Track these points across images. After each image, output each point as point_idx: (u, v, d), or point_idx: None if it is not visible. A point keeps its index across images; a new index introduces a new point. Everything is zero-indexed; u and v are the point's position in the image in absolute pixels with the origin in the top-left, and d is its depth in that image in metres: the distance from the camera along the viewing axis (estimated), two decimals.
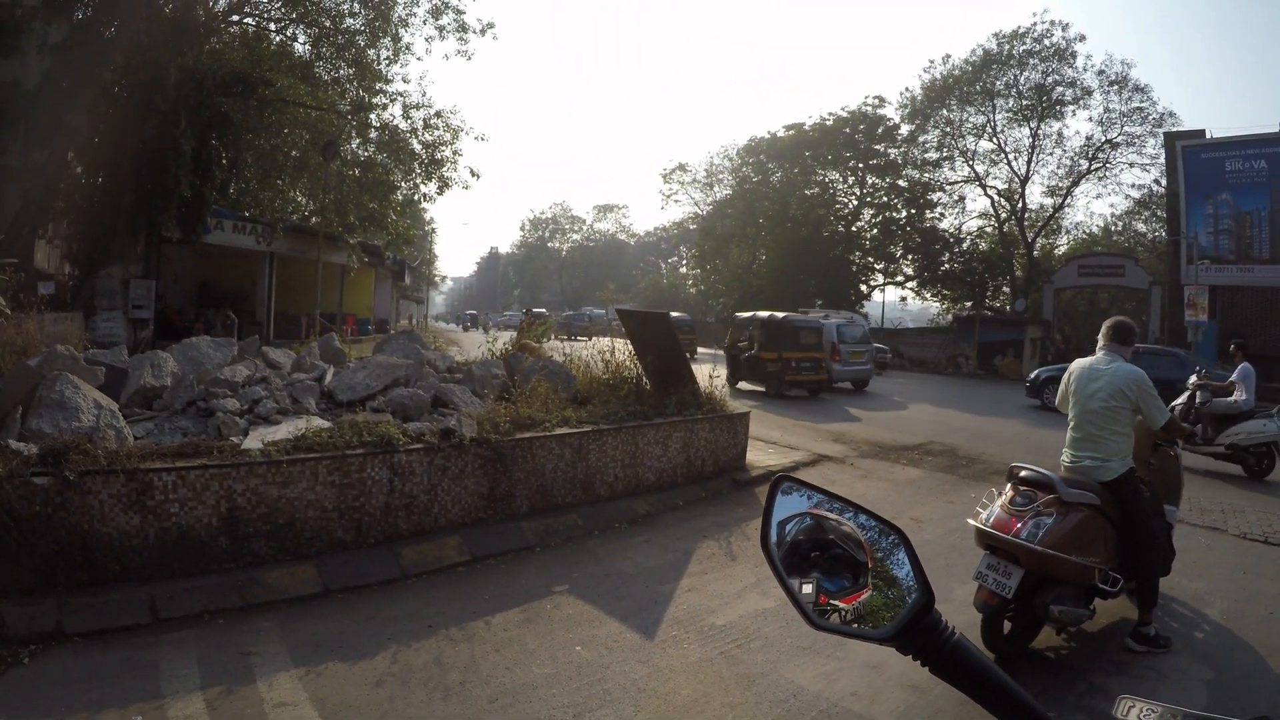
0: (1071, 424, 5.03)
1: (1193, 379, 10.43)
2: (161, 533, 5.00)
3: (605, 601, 5.38)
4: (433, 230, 70.65)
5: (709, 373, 9.86)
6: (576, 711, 3.87)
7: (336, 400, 7.40)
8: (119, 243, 17.72)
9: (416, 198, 25.67)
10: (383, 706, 3.84)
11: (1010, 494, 4.76)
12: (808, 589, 1.01)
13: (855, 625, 0.99)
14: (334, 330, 14.74)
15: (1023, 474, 4.82)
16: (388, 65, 23.22)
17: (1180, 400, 9.65)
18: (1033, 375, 20.29)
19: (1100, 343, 5.11)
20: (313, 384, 7.53)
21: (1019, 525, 4.47)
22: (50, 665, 4.07)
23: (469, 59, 38.13)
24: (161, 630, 4.55)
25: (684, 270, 72.90)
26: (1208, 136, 29.87)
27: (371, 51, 22.70)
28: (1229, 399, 10.73)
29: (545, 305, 70.83)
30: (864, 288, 47.50)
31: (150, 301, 18.26)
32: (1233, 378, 11.00)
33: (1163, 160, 33.63)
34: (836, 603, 1.00)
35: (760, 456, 10.05)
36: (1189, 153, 29.28)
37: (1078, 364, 5.14)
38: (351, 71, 22.81)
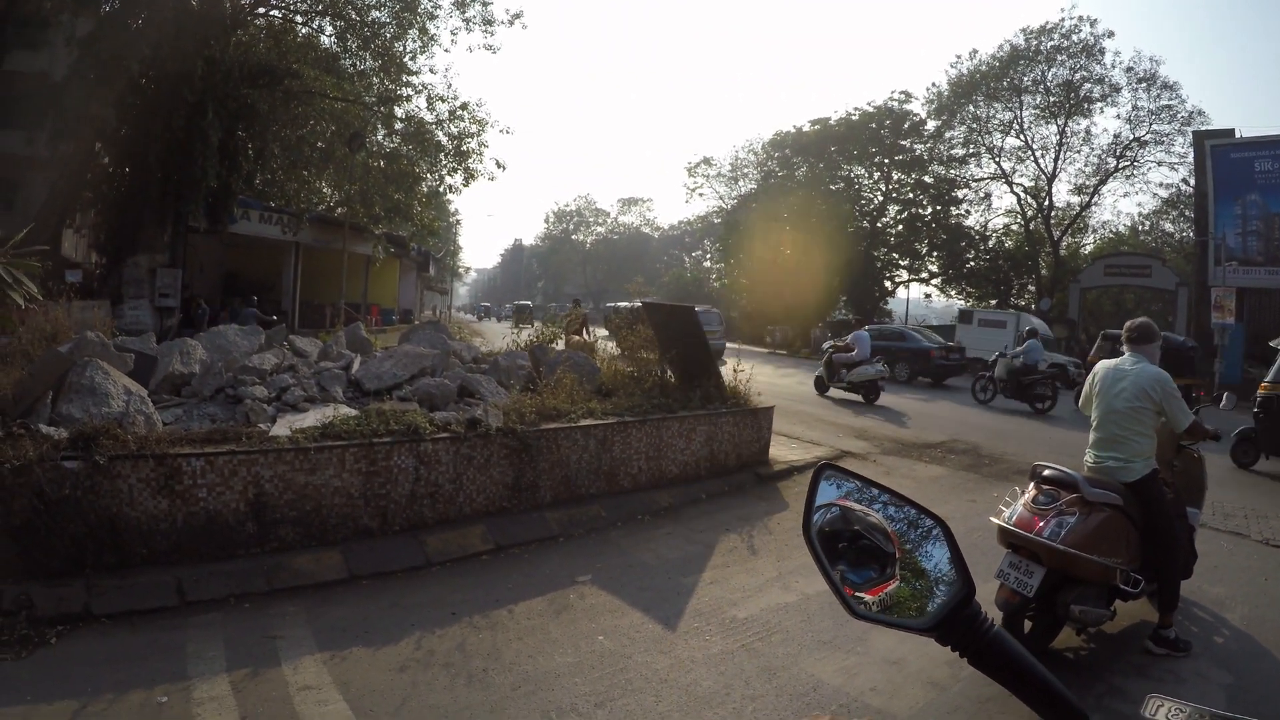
0: (1095, 424, 4.98)
1: (827, 343, 18.74)
2: (189, 517, 5.04)
3: (628, 592, 5.39)
4: (457, 222, 70.96)
5: (734, 367, 9.83)
6: (598, 701, 3.88)
7: (363, 389, 7.44)
8: (146, 232, 17.96)
9: (442, 189, 25.80)
10: (405, 691, 3.86)
11: (1033, 493, 4.72)
12: (844, 589, 1.00)
13: (894, 616, 0.98)
14: (359, 320, 14.81)
15: (1046, 473, 4.77)
16: (414, 57, 23.38)
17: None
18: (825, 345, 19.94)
19: (1124, 345, 5.05)
20: (340, 373, 7.57)
21: (1041, 524, 4.44)
22: (78, 646, 4.11)
23: (495, 52, 38.04)
24: (188, 613, 4.59)
25: (707, 264, 72.81)
26: (1237, 136, 29.44)
27: (398, 44, 22.85)
28: (851, 354, 16.96)
29: (569, 297, 70.90)
30: (888, 284, 47.25)
31: (177, 290, 18.48)
32: (848, 339, 17.56)
33: (1191, 159, 33.18)
34: (863, 594, 0.99)
35: (783, 451, 10.01)
36: (1218, 152, 28.87)
37: (1102, 365, 5.09)
38: (378, 64, 22.95)
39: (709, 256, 73.58)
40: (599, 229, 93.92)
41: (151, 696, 3.63)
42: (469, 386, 7.74)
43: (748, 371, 9.89)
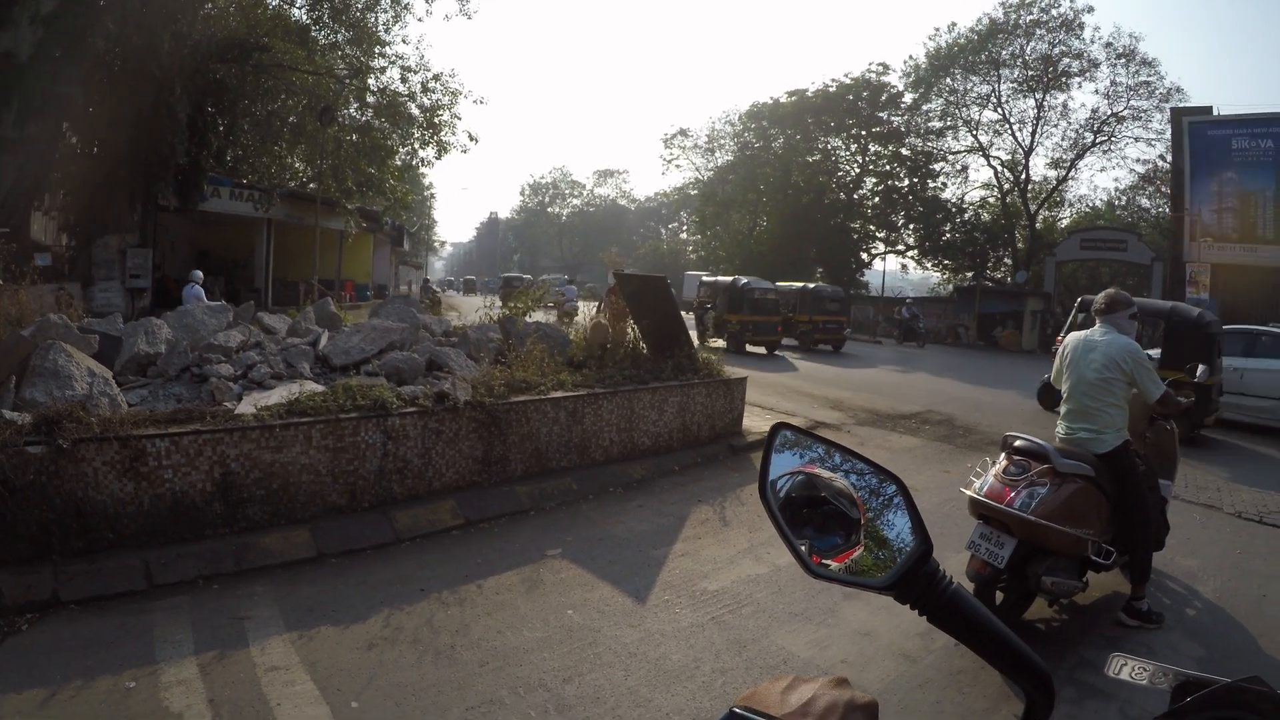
0: (1065, 396, 4.98)
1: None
2: (156, 499, 5.00)
3: (598, 566, 5.40)
4: (431, 195, 70.59)
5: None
6: (567, 675, 3.89)
7: (331, 365, 7.39)
8: (115, 212, 17.67)
9: (415, 162, 25.64)
10: (373, 670, 3.85)
11: (1004, 463, 4.70)
12: (802, 549, 0.99)
13: (852, 575, 0.98)
14: (330, 295, 14.69)
15: (1017, 443, 4.77)
16: (386, 28, 23.04)
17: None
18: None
19: (1095, 316, 5.06)
20: (307, 348, 7.51)
21: (1012, 495, 4.43)
22: (47, 633, 4.08)
23: (470, 18, 37.74)
24: (156, 596, 4.57)
25: (684, 236, 72.85)
26: (1215, 114, 29.48)
27: (370, 15, 22.50)
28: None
29: (545, 270, 70.66)
30: (865, 256, 47.52)
31: (148, 270, 18.24)
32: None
33: (1168, 136, 33.26)
34: (829, 561, 0.98)
35: (757, 422, 10.05)
36: (1195, 129, 28.97)
37: (1073, 336, 5.09)
38: (349, 35, 22.59)
39: (685, 229, 73.54)
40: (575, 201, 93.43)
41: (120, 682, 3.62)
42: (438, 360, 7.70)
43: (720, 343, 9.90)
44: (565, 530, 6.10)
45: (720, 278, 24.83)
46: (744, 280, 22.49)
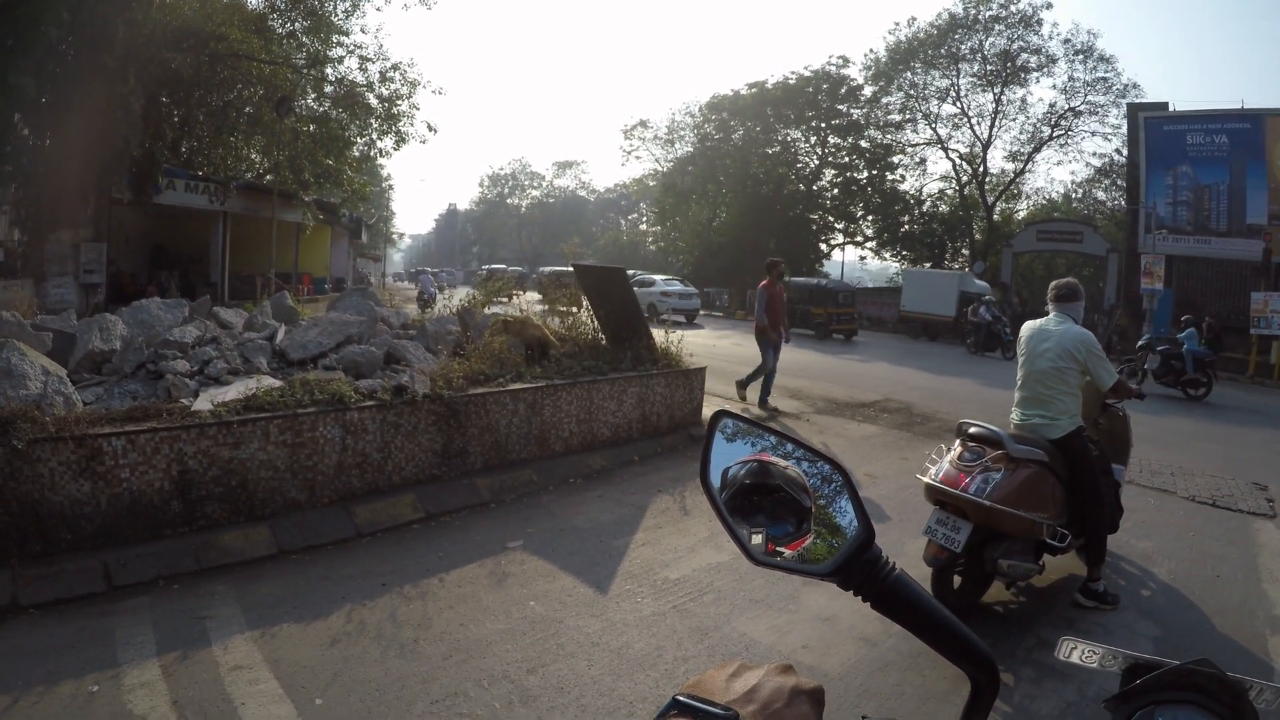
0: (1020, 383, 5.09)
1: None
2: (113, 499, 4.95)
3: (559, 557, 5.44)
4: (390, 187, 69.86)
5: (665, 329, 9.91)
6: (530, 666, 3.92)
7: (288, 359, 7.34)
8: (68, 206, 17.32)
9: (373, 153, 25.47)
10: (337, 666, 3.86)
11: (959, 450, 4.79)
12: (757, 539, 0.98)
13: (795, 562, 0.98)
14: (287, 289, 14.55)
15: (972, 430, 4.87)
16: (345, 17, 22.82)
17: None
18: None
19: (1049, 305, 5.17)
20: (264, 343, 7.45)
21: (967, 480, 4.52)
22: (7, 640, 4.03)
23: (430, 8, 37.27)
24: (117, 598, 4.53)
25: (644, 227, 72.84)
26: (1170, 109, 30.14)
27: (328, 3, 22.26)
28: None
29: (504, 262, 70.23)
30: (824, 247, 47.92)
31: (102, 266, 17.89)
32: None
33: (1125, 130, 33.80)
34: (782, 549, 0.98)
35: None
36: (1151, 124, 29.55)
37: (1028, 325, 5.21)
38: (307, 24, 22.39)
39: (645, 220, 73.50)
40: (534, 192, 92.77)
41: (82, 686, 3.59)
42: (396, 353, 7.67)
43: (679, 332, 9.97)
44: (526, 522, 6.14)
45: (803, 279, 28.45)
46: (826, 280, 25.25)
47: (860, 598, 0.93)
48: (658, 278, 33.50)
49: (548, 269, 32.37)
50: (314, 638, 4.15)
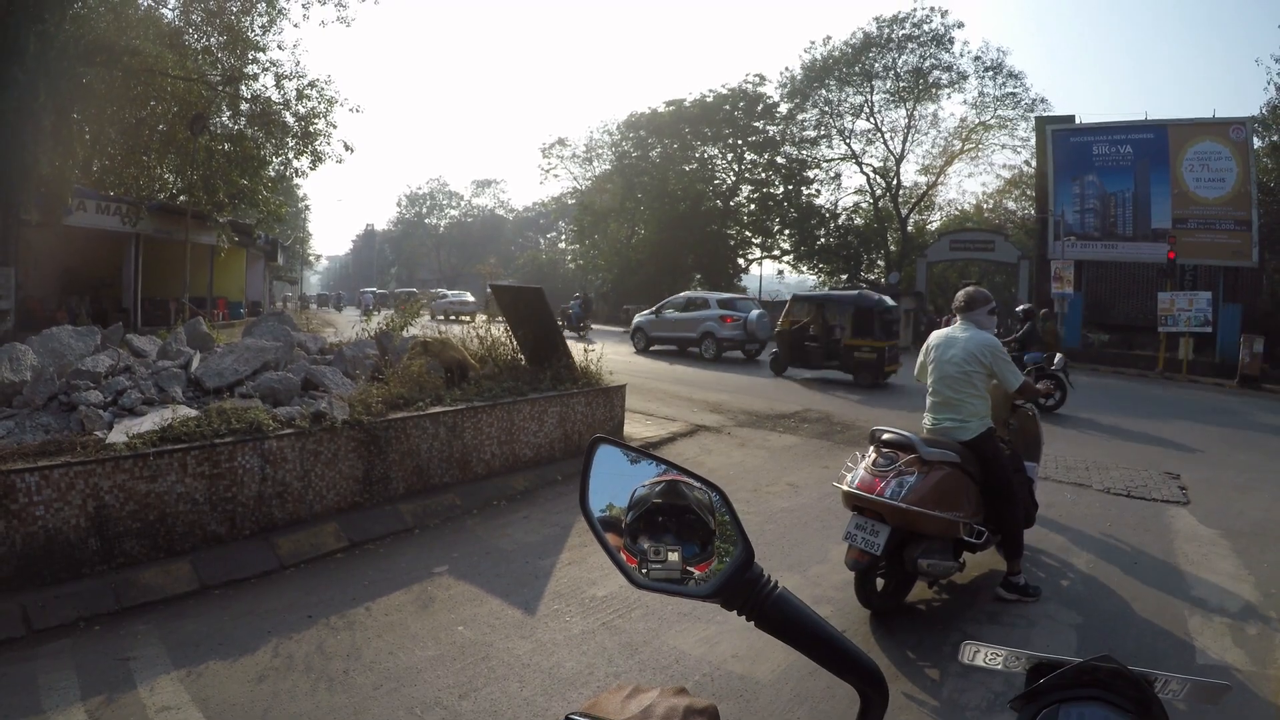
0: (930, 389, 5.34)
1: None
2: (28, 538, 4.84)
3: (486, 580, 5.47)
4: (306, 208, 68.94)
5: (584, 348, 10.04)
6: (462, 692, 3.94)
7: (204, 387, 7.25)
8: None
9: (289, 173, 25.05)
10: (266, 702, 3.82)
11: (874, 456, 4.98)
12: (674, 557, 0.98)
13: (676, 584, 0.99)
14: (201, 315, 14.28)
15: (885, 436, 5.07)
16: (262, 33, 22.50)
17: None
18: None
19: (955, 314, 5.46)
20: (178, 371, 7.36)
21: (882, 485, 4.70)
22: None
23: (348, 25, 37.16)
24: (37, 642, 4.41)
25: (563, 246, 73.06)
26: (1077, 122, 31.83)
27: (245, 18, 21.94)
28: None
29: (422, 283, 69.49)
30: (742, 261, 48.86)
31: (10, 291, 17.30)
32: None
33: (1033, 143, 35.80)
34: (692, 569, 0.98)
35: (637, 429, 10.32)
36: (1058, 137, 31.10)
37: (935, 334, 5.49)
38: (223, 39, 22.00)
39: (564, 238, 73.67)
40: (453, 212, 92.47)
41: None
42: (314, 379, 7.64)
43: (599, 349, 10.11)
44: (451, 546, 6.16)
45: (819, 292, 27.72)
46: (859, 293, 22.82)
47: (745, 618, 0.96)
48: (710, 296, 24.13)
49: (400, 290, 31.89)
50: (241, 674, 4.09)
